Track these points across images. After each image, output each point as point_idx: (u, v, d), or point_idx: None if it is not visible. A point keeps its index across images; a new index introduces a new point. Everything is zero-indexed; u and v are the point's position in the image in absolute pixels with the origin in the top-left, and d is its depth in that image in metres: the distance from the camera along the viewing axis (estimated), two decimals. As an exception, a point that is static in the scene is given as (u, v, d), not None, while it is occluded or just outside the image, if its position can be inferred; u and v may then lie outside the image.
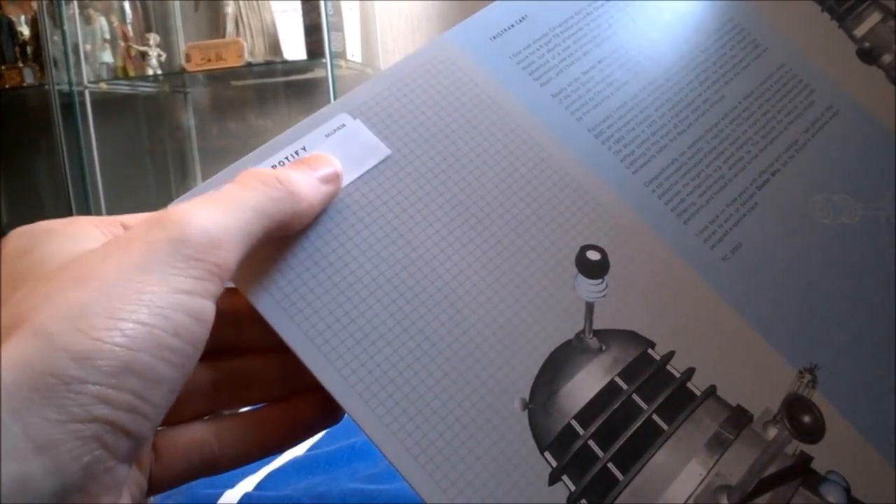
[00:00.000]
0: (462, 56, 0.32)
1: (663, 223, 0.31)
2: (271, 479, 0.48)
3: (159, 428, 0.26)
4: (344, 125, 0.29)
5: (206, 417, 0.28)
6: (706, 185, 0.32)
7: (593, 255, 0.29)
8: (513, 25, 0.33)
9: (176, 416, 0.27)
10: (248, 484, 0.48)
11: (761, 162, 0.33)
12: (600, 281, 0.29)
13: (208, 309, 0.21)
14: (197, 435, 0.27)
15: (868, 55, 0.38)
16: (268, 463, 0.50)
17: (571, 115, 0.32)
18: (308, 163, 0.27)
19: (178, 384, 0.21)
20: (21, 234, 0.23)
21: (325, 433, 0.55)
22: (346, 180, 0.28)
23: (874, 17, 0.39)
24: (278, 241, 0.26)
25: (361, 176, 0.28)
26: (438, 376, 0.25)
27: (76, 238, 0.23)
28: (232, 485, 0.47)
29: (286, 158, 0.28)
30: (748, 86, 0.35)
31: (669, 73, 0.34)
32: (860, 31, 0.38)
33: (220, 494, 0.46)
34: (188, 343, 0.20)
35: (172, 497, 0.49)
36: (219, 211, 0.22)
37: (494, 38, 0.33)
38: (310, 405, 0.28)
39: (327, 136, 0.29)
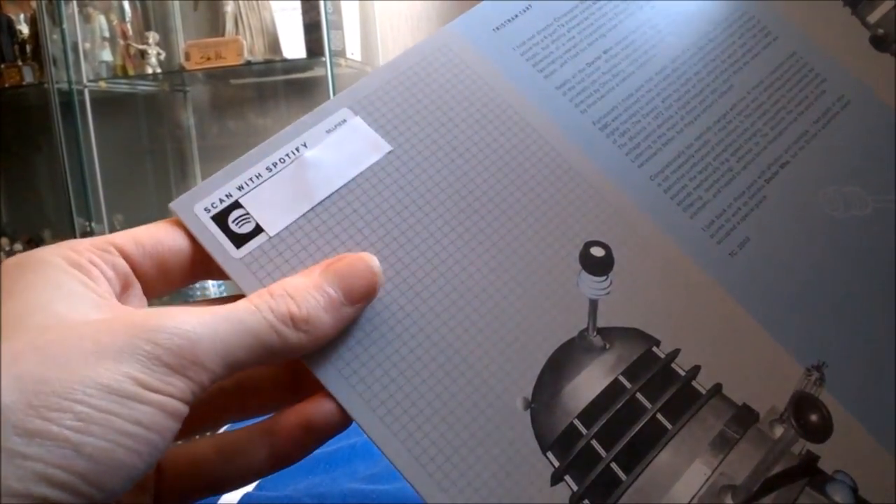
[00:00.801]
0: (465, 48, 0.31)
1: (669, 218, 0.30)
2: (271, 479, 0.48)
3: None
4: (345, 121, 0.29)
5: (210, 433, 0.27)
6: (713, 179, 0.31)
7: (597, 252, 0.29)
8: (516, 16, 0.33)
9: (184, 430, 0.27)
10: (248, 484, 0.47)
11: (770, 154, 0.33)
12: (604, 278, 0.28)
13: (179, 408, 0.21)
14: (200, 454, 0.26)
15: (881, 42, 0.37)
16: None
17: (576, 108, 0.32)
18: (342, 274, 0.25)
19: (139, 471, 0.20)
20: (10, 271, 0.22)
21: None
22: (347, 177, 0.27)
23: (888, 3, 0.38)
24: (279, 237, 0.26)
25: (362, 172, 0.28)
26: (440, 375, 0.25)
27: (61, 286, 0.22)
28: (232, 485, 0.47)
29: (286, 156, 0.27)
30: (758, 75, 0.34)
31: (676, 62, 0.34)
32: (873, 18, 0.37)
33: (221, 494, 0.46)
34: (153, 432, 0.20)
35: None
36: (214, 328, 0.21)
37: (497, 28, 0.32)
38: (318, 409, 0.26)
39: (328, 132, 0.28)
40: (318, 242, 0.26)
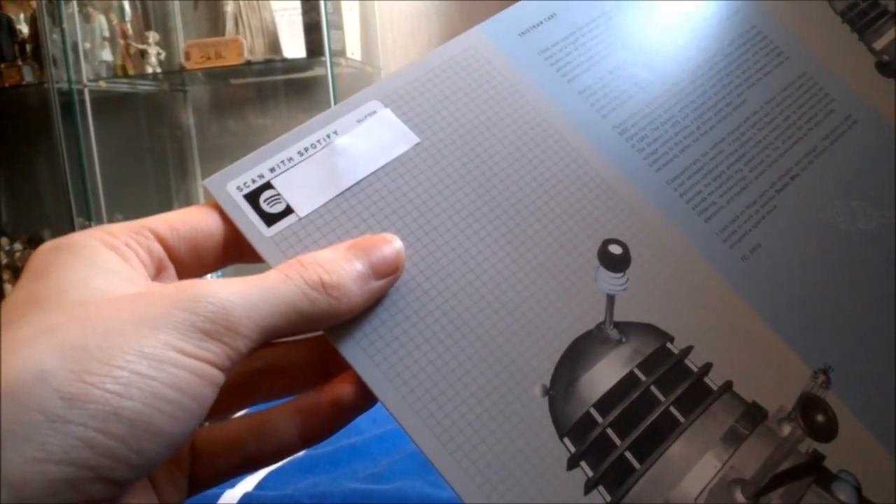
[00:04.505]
0: (492, 50, 0.32)
1: (684, 221, 0.31)
2: (271, 479, 0.48)
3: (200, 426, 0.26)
4: (375, 112, 0.29)
5: (243, 412, 0.27)
6: (727, 186, 0.32)
7: (615, 249, 0.29)
8: (541, 22, 0.34)
9: (217, 409, 0.27)
10: (248, 484, 0.47)
11: (781, 166, 0.34)
12: (621, 274, 0.29)
13: (215, 375, 0.21)
14: (234, 432, 0.26)
15: (887, 68, 0.39)
16: (268, 463, 0.50)
17: (597, 112, 0.33)
18: (367, 249, 0.26)
19: (177, 438, 0.20)
20: (46, 252, 0.23)
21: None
22: (375, 165, 0.28)
23: (893, 31, 0.40)
24: (308, 218, 0.27)
25: (390, 161, 0.29)
26: (461, 358, 0.26)
27: (98, 265, 0.22)
28: (232, 485, 0.47)
29: (318, 142, 0.28)
30: (770, 91, 0.36)
31: (693, 75, 0.35)
32: (879, 45, 0.39)
33: (220, 494, 0.46)
34: (191, 399, 0.20)
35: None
36: (248, 296, 0.22)
37: (523, 34, 0.34)
38: (345, 387, 0.27)
39: (358, 121, 0.29)
40: (346, 226, 0.27)
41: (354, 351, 0.25)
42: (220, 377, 0.21)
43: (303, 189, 0.27)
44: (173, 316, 0.21)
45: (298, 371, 0.28)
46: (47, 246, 0.23)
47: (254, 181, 0.27)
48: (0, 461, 0.17)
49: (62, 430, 0.18)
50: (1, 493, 0.17)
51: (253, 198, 0.27)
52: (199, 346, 0.21)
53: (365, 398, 0.27)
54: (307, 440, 0.27)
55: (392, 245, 0.26)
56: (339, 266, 0.24)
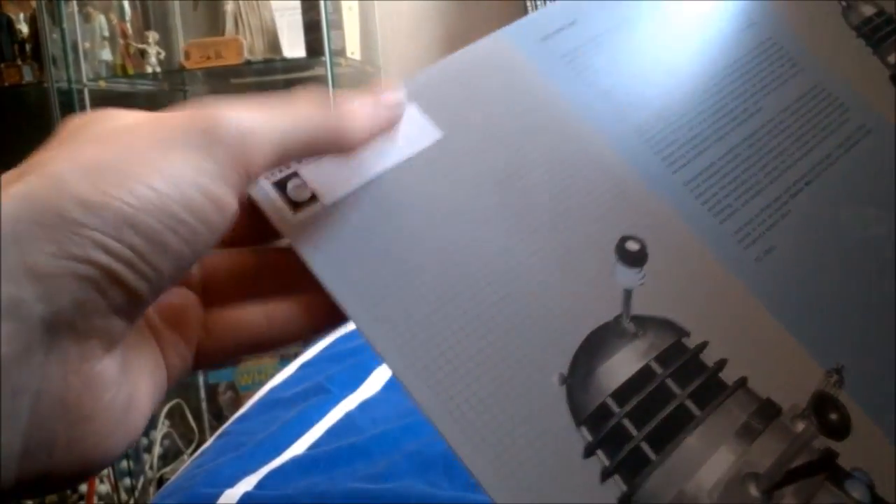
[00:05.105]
0: (515, 53, 0.33)
1: (700, 221, 0.32)
2: (271, 479, 0.48)
3: (215, 308, 0.27)
4: None
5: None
6: (742, 190, 0.33)
7: (633, 246, 0.30)
8: (563, 28, 0.35)
9: (225, 296, 0.28)
10: (248, 483, 0.47)
11: (796, 172, 0.34)
12: (639, 270, 0.29)
13: (227, 197, 0.22)
14: (247, 314, 0.28)
15: None
16: (268, 462, 0.50)
17: (615, 114, 0.33)
18: (370, 91, 0.27)
19: (185, 258, 0.21)
20: (81, 115, 0.24)
21: (326, 432, 0.55)
22: (399, 158, 0.29)
23: None
24: (333, 206, 0.27)
25: (414, 155, 0.29)
26: (482, 345, 0.26)
27: (123, 117, 0.24)
28: (232, 484, 0.47)
29: None
30: (785, 100, 0.36)
31: (710, 83, 0.36)
32: (893, 58, 0.40)
33: (220, 494, 0.46)
34: (200, 222, 0.21)
35: (172, 497, 0.49)
36: (258, 112, 0.23)
37: (545, 38, 0.34)
38: None
39: None
40: (369, 214, 0.28)
41: (381, 338, 0.26)
42: (232, 204, 0.22)
43: (329, 178, 0.28)
44: (191, 135, 0.21)
45: (305, 274, 0.29)
46: (76, 117, 0.24)
47: (281, 170, 0.28)
48: (20, 256, 0.18)
49: (79, 233, 0.19)
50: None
51: (281, 185, 0.27)
52: (213, 159, 0.21)
53: None
54: (316, 331, 0.28)
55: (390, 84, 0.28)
56: (345, 97, 0.26)
